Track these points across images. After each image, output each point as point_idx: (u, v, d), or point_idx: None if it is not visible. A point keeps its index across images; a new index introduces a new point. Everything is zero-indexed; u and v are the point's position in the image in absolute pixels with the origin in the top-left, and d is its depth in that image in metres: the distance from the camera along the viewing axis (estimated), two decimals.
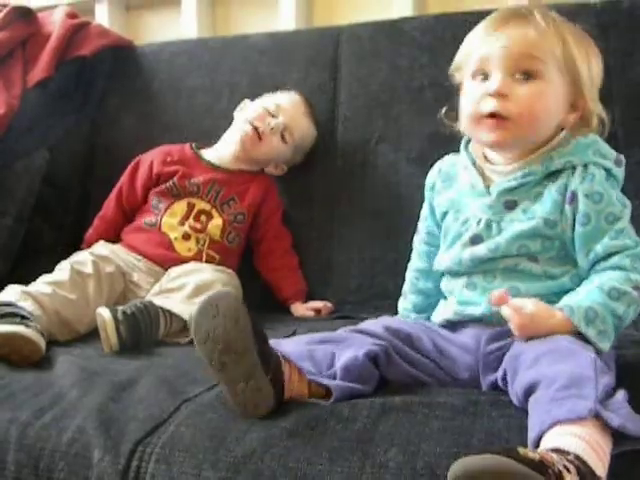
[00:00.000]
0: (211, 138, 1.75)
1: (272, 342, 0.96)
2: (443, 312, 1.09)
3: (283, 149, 1.63)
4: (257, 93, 1.77)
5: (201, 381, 1.02)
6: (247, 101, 1.69)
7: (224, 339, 0.89)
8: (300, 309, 1.57)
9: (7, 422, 0.93)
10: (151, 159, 1.65)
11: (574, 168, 1.01)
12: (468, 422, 0.84)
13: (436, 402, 0.89)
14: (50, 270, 1.63)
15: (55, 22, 1.87)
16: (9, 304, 1.27)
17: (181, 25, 2.12)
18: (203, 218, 1.56)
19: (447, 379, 1.01)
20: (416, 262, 1.21)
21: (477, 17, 1.67)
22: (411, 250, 1.24)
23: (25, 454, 0.89)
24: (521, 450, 0.69)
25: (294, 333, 1.34)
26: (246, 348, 0.89)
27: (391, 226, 1.59)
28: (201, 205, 1.57)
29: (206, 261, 1.52)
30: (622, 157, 1.04)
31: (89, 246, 1.59)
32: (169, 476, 0.82)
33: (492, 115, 1.00)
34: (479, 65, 1.03)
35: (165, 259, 1.51)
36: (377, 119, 1.67)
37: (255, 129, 1.60)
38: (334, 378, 0.95)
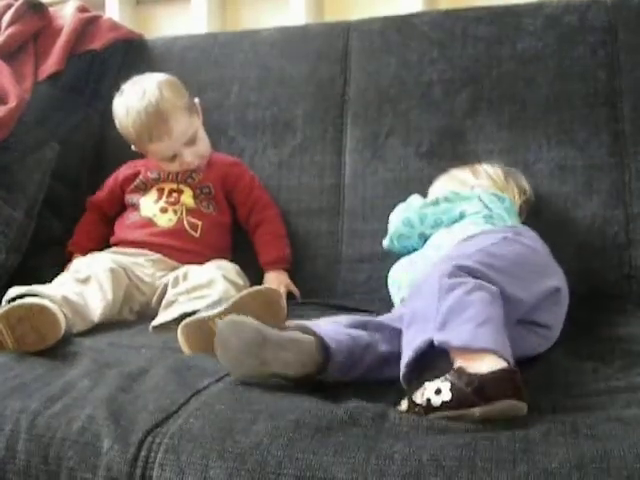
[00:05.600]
0: (220, 132, 1.76)
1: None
2: None
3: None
4: (266, 88, 1.78)
5: (210, 372, 1.03)
6: None
7: None
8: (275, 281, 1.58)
9: (17, 411, 0.94)
10: (119, 170, 1.76)
11: None
12: None
13: None
14: (59, 264, 1.64)
15: (66, 16, 1.88)
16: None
17: (191, 19, 2.12)
18: (174, 194, 1.65)
19: None
20: None
21: (486, 12, 1.70)
22: None
23: (35, 443, 0.90)
24: None
25: None
26: None
27: None
28: (168, 186, 1.66)
29: (190, 228, 1.60)
30: None
31: (74, 251, 1.69)
32: (177, 466, 0.83)
33: None
34: None
35: (149, 236, 1.59)
36: (387, 113, 1.68)
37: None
38: None
